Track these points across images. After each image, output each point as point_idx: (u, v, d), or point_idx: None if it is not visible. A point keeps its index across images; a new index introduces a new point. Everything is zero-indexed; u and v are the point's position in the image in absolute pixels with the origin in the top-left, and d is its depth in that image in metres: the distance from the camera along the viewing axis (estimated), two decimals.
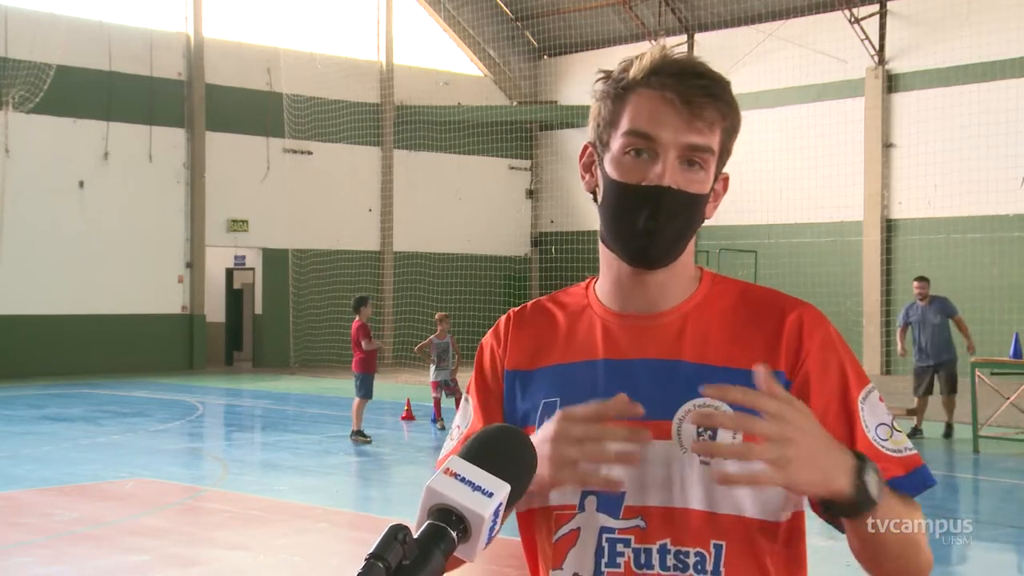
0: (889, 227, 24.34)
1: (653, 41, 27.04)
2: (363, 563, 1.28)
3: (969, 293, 21.88)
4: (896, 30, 24.42)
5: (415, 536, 1.33)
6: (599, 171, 1.79)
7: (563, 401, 1.77)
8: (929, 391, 14.07)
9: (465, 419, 1.91)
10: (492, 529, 1.38)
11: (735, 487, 1.69)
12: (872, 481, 1.59)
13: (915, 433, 13.94)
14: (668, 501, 1.71)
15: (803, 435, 1.54)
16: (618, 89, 1.76)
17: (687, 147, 1.72)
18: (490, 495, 1.36)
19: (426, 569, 1.30)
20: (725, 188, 1.83)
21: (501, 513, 1.39)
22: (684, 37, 27.63)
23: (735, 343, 1.76)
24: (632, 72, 1.75)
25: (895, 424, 1.76)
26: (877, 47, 24.40)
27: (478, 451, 1.42)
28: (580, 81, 29.08)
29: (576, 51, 28.88)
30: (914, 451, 1.75)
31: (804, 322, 1.76)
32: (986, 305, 21.99)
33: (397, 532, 1.30)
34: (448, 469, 1.38)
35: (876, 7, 24.50)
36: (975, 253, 22.79)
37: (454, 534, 1.34)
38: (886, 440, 1.73)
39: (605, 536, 1.73)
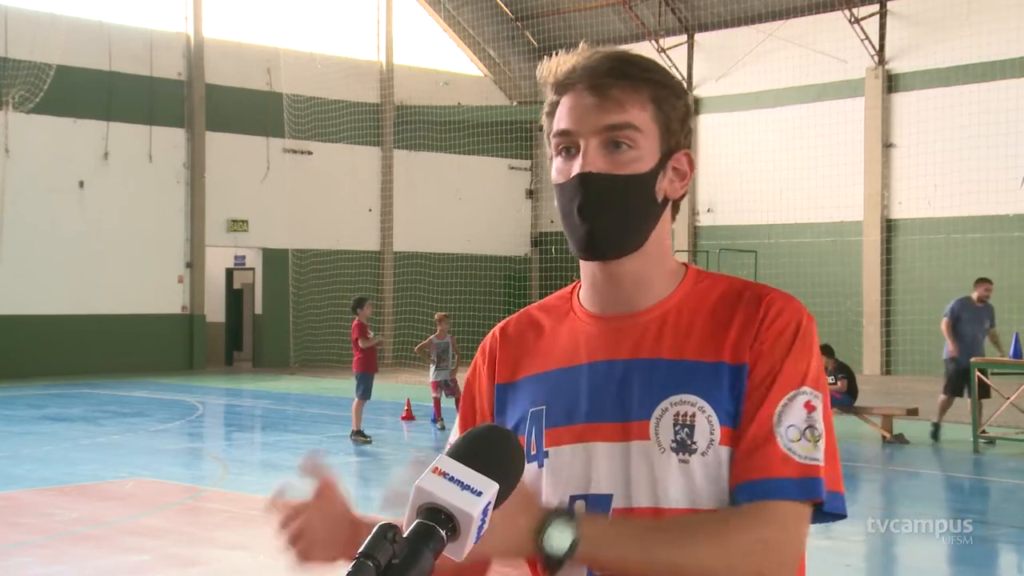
0: (889, 227, 24.34)
1: (653, 41, 27.05)
2: (353, 562, 1.28)
3: (969, 293, 21.82)
4: (896, 30, 24.42)
5: (404, 535, 1.33)
6: None
7: (549, 408, 1.78)
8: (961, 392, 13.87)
9: (453, 439, 1.92)
10: (481, 528, 1.38)
11: (717, 483, 1.69)
12: (555, 537, 1.56)
13: (937, 430, 13.78)
14: (652, 502, 1.70)
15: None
16: (550, 106, 1.81)
17: (602, 129, 1.72)
18: (479, 494, 1.36)
19: (415, 568, 1.30)
20: (691, 165, 1.80)
21: (490, 512, 1.40)
22: (684, 37, 27.63)
23: (714, 338, 1.73)
24: (552, 84, 1.80)
25: (812, 434, 1.69)
26: (877, 47, 24.40)
27: (466, 450, 1.42)
28: None
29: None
30: (819, 463, 1.68)
31: (770, 309, 1.73)
32: None
33: (387, 531, 1.30)
34: (437, 468, 1.38)
35: (876, 7, 24.50)
36: (975, 253, 22.78)
37: (443, 533, 1.34)
38: (792, 441, 1.68)
39: None
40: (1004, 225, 22.64)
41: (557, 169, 1.77)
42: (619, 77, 1.73)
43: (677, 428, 1.69)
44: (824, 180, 24.67)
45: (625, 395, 1.72)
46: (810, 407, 1.71)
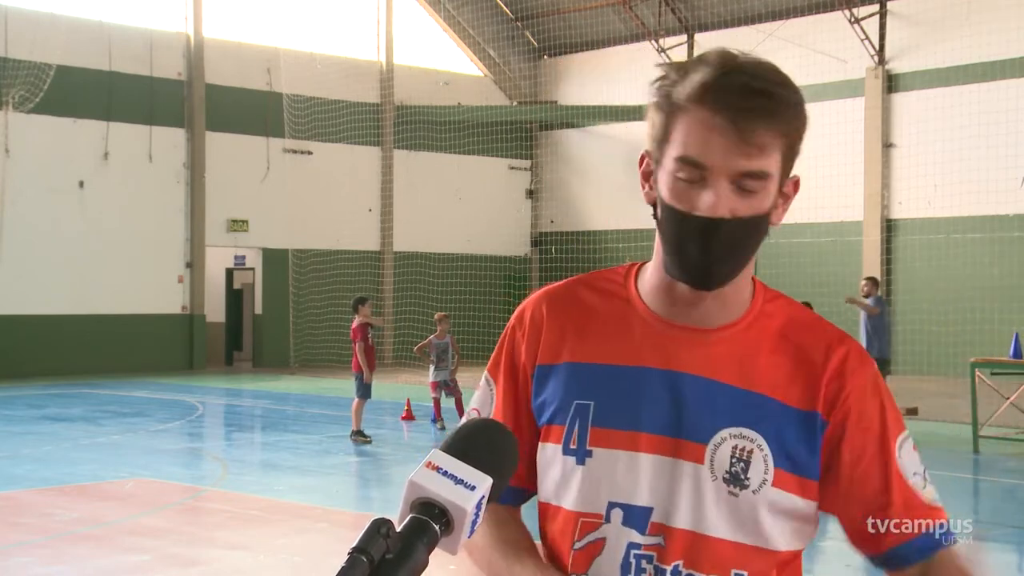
0: (889, 227, 24.34)
1: (653, 41, 27.04)
2: (346, 557, 1.27)
3: (969, 293, 21.89)
4: (896, 30, 24.42)
5: (398, 530, 1.32)
6: (656, 186, 1.72)
7: (598, 405, 1.74)
8: None
9: (484, 405, 1.86)
10: (475, 522, 1.38)
11: (762, 522, 1.69)
12: None
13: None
14: (691, 525, 1.68)
15: None
16: (669, 104, 1.68)
17: (738, 174, 1.64)
18: (472, 488, 1.36)
19: (409, 562, 1.29)
20: (796, 190, 1.74)
21: (484, 506, 1.39)
22: (684, 37, 27.62)
23: (779, 373, 1.72)
24: (684, 88, 1.66)
25: (927, 474, 1.75)
26: (877, 47, 24.40)
27: (460, 445, 1.43)
28: (580, 81, 29.07)
29: (576, 51, 28.88)
30: (941, 505, 1.76)
31: (848, 362, 1.72)
32: (986, 305, 21.98)
33: (380, 526, 1.29)
34: (430, 463, 1.39)
35: (876, 7, 24.50)
36: (975, 253, 22.78)
37: (437, 527, 1.33)
38: (922, 489, 1.74)
39: (632, 551, 1.70)
40: (1004, 225, 22.64)
41: (675, 191, 1.66)
42: (769, 119, 1.65)
43: (734, 461, 1.68)
44: (824, 180, 24.63)
45: (683, 411, 1.69)
46: (915, 448, 1.76)
